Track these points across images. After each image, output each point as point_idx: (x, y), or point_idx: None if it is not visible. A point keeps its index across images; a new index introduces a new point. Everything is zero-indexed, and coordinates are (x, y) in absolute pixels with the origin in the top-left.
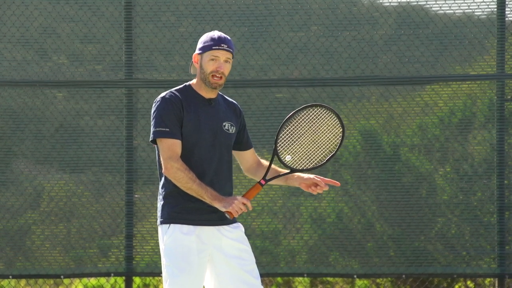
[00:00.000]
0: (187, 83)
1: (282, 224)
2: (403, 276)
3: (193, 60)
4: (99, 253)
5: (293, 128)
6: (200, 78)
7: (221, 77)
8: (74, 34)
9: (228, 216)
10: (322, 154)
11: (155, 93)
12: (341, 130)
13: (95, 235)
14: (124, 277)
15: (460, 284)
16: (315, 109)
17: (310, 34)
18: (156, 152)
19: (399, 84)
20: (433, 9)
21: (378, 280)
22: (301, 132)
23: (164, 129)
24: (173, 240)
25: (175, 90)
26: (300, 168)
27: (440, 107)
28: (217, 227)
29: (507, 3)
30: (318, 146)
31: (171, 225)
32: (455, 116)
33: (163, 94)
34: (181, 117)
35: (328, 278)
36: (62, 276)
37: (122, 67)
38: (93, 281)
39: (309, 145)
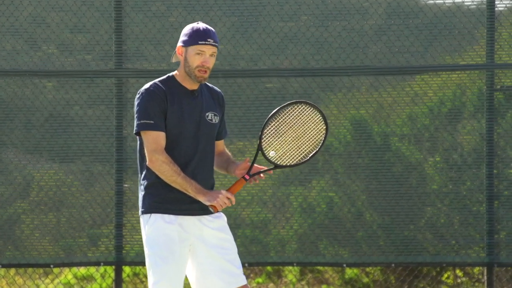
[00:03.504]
0: (170, 74)
1: (272, 213)
2: (393, 265)
3: (176, 51)
4: (88, 242)
5: (278, 124)
6: (184, 70)
7: (206, 71)
8: (64, 24)
9: (212, 210)
10: (305, 150)
11: (145, 83)
12: (324, 127)
13: (85, 225)
14: (114, 267)
15: (449, 273)
16: (300, 106)
17: (300, 24)
18: (138, 143)
19: (389, 74)
20: None
21: (367, 269)
22: (285, 129)
23: (148, 121)
24: (155, 229)
25: (159, 81)
26: (283, 164)
27: (429, 97)
28: (198, 217)
29: None
30: (301, 143)
31: (153, 214)
32: (444, 106)
33: (146, 86)
34: (165, 109)
35: (318, 267)
36: (51, 265)
37: (112, 57)
38: (82, 270)
39: (293, 141)
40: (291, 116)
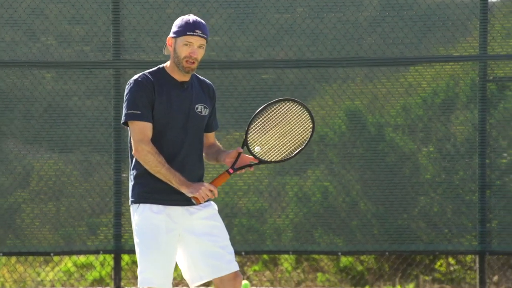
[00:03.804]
0: (161, 66)
1: (268, 202)
2: (387, 253)
3: (167, 43)
4: (88, 231)
5: (265, 120)
6: (173, 61)
7: (193, 62)
8: (62, 15)
9: (194, 202)
10: (291, 147)
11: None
12: (311, 125)
13: (84, 214)
14: (113, 255)
15: (442, 261)
16: (287, 104)
17: (296, 15)
18: (129, 133)
19: (383, 65)
20: None
21: (362, 257)
22: (272, 125)
23: (135, 111)
24: (143, 219)
25: (148, 72)
26: (268, 160)
27: (423, 87)
28: (186, 207)
29: None
30: (287, 140)
31: (141, 204)
32: (438, 97)
33: (136, 77)
34: (152, 100)
35: (313, 256)
36: (51, 254)
37: (109, 48)
38: (82, 258)
39: (279, 138)
40: (278, 113)
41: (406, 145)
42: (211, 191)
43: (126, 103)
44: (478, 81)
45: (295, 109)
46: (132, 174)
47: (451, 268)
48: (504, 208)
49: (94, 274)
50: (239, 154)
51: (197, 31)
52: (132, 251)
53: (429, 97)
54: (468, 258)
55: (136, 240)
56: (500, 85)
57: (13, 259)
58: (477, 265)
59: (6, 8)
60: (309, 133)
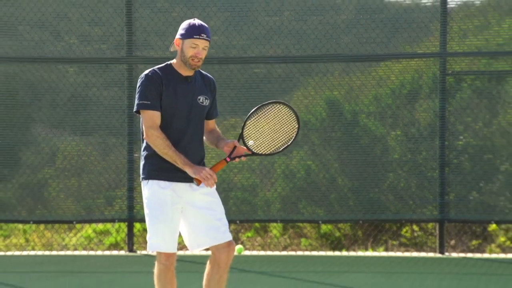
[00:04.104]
0: (168, 62)
1: (259, 179)
2: (360, 221)
3: (174, 43)
4: (105, 202)
5: (258, 119)
6: (180, 59)
7: (199, 61)
8: (83, 18)
9: (195, 183)
10: (279, 143)
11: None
12: (296, 126)
13: (102, 188)
14: (126, 223)
15: (407, 228)
16: (278, 105)
17: (283, 18)
18: (140, 120)
19: (357, 61)
20: None
21: (339, 225)
22: (264, 123)
23: (146, 102)
24: (152, 193)
25: (157, 68)
26: (259, 153)
27: (392, 80)
28: (189, 183)
29: None
30: (276, 137)
31: (150, 180)
32: (404, 88)
33: (146, 72)
34: (160, 92)
35: (298, 224)
36: (74, 222)
37: (123, 46)
38: (100, 226)
39: (269, 134)
40: (270, 113)
41: (377, 129)
42: (210, 175)
43: (138, 94)
44: (438, 74)
45: (284, 111)
46: (143, 155)
47: (415, 234)
48: (460, 183)
49: (111, 239)
50: (235, 146)
51: (202, 35)
52: (143, 220)
53: (397, 88)
54: (430, 225)
55: (145, 211)
56: (457, 78)
57: (42, 226)
58: (437, 231)
59: (35, 12)
60: (295, 132)
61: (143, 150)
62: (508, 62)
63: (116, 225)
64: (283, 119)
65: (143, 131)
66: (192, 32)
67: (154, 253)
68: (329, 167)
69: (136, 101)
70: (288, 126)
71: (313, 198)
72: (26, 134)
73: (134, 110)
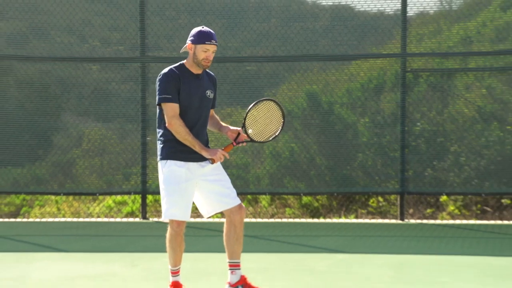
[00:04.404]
0: (181, 62)
1: (251, 158)
2: (335, 194)
3: (187, 46)
4: (123, 178)
5: (256, 112)
6: (192, 60)
7: (209, 62)
8: (104, 24)
9: (211, 162)
10: (270, 133)
11: (161, 66)
12: (282, 121)
13: (120, 166)
14: (140, 195)
15: (373, 199)
16: (269, 102)
17: (271, 24)
18: (158, 111)
19: (333, 60)
20: (357, 7)
21: (318, 197)
22: (259, 116)
23: (167, 96)
24: (169, 171)
25: (174, 67)
26: (256, 140)
27: (361, 76)
28: (200, 162)
29: (408, 3)
30: (268, 128)
31: (168, 160)
32: (371, 83)
33: (165, 70)
34: (178, 87)
35: (283, 196)
36: (97, 194)
37: (137, 48)
38: (119, 197)
39: (262, 126)
40: (264, 108)
41: (349, 117)
42: (223, 155)
43: (159, 89)
44: (399, 72)
45: (274, 107)
46: (160, 139)
47: (380, 204)
48: (417, 161)
49: (127, 208)
50: (239, 133)
51: (212, 41)
52: (154, 193)
53: (365, 83)
54: (392, 197)
55: (162, 186)
56: (415, 75)
57: (71, 197)
58: (398, 202)
59: (64, 19)
60: (281, 126)
61: (161, 136)
62: (456, 61)
63: (132, 196)
64: (273, 114)
65: (161, 120)
66: (204, 38)
67: (166, 221)
68: (309, 148)
69: (158, 95)
70: (277, 120)
71: (295, 175)
72: (57, 121)
73: (156, 103)
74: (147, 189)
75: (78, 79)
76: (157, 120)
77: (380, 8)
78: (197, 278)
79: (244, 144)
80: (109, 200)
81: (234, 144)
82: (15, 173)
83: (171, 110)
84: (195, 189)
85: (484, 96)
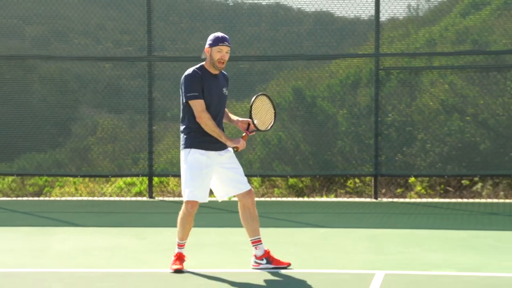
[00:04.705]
0: (201, 64)
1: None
2: (317, 176)
3: (205, 51)
4: (132, 162)
5: (257, 105)
6: (209, 62)
7: (223, 63)
8: (116, 28)
9: (235, 150)
10: (267, 122)
11: (165, 64)
12: (273, 112)
13: (129, 152)
14: (147, 177)
15: (351, 180)
16: (264, 97)
17: (261, 28)
18: (181, 108)
19: (315, 59)
20: (336, 13)
21: (302, 179)
22: (259, 108)
23: (194, 93)
24: (193, 158)
25: (196, 68)
26: (261, 129)
27: (340, 73)
28: (218, 151)
29: (380, 9)
30: (266, 119)
31: (192, 149)
32: (349, 79)
33: (189, 72)
34: (202, 86)
35: (272, 178)
36: (109, 176)
37: (145, 48)
38: (128, 179)
39: (262, 116)
40: (262, 102)
41: (330, 109)
42: (243, 144)
43: (185, 88)
44: (373, 69)
45: (268, 101)
46: (184, 131)
47: (357, 185)
48: (389, 148)
49: (136, 189)
50: (249, 124)
51: (225, 42)
52: (160, 175)
53: (344, 79)
54: (367, 178)
55: (184, 170)
56: (387, 72)
57: (87, 179)
58: (373, 183)
59: (81, 23)
60: (273, 117)
61: (186, 128)
62: (423, 60)
63: (140, 178)
64: (268, 106)
65: (184, 115)
66: (218, 41)
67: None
68: (294, 136)
69: (186, 94)
70: (270, 112)
71: (283, 159)
72: (75, 113)
73: (184, 101)
74: (153, 172)
75: (93, 76)
76: (181, 115)
77: (357, 14)
78: (197, 249)
79: (254, 133)
80: (120, 182)
81: (248, 133)
82: (38, 158)
83: (200, 105)
84: (213, 174)
85: (446, 91)
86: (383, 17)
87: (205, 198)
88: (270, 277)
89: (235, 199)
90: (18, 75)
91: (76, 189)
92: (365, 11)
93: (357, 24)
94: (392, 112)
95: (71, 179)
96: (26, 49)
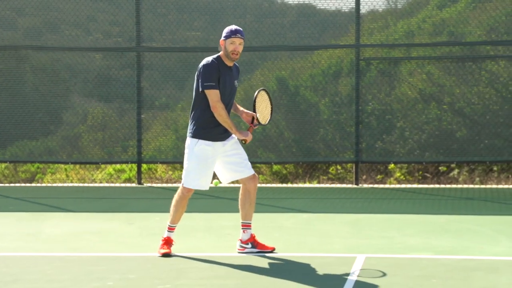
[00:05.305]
0: (217, 54)
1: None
2: (300, 162)
3: (220, 43)
4: (121, 149)
5: (259, 100)
6: (224, 54)
7: (237, 54)
8: (106, 20)
9: (244, 142)
10: (266, 116)
11: (153, 55)
12: (270, 107)
13: (119, 139)
14: (136, 164)
15: (333, 167)
16: (264, 92)
17: (246, 20)
18: (194, 96)
19: (299, 50)
20: (318, 5)
21: (286, 165)
22: (260, 103)
23: (211, 83)
24: (200, 149)
25: (213, 58)
26: (262, 123)
27: (322, 63)
28: (223, 141)
29: (361, 2)
30: (265, 113)
31: (200, 140)
32: (331, 69)
33: (208, 61)
34: (218, 76)
35: (257, 164)
36: (100, 163)
37: (134, 39)
38: (118, 166)
39: (263, 110)
40: (262, 97)
41: (312, 98)
42: (251, 135)
43: (203, 77)
44: (354, 60)
45: (266, 97)
46: (193, 120)
47: (338, 171)
48: (369, 135)
49: (125, 175)
50: (253, 117)
51: (238, 34)
52: (148, 162)
53: (326, 69)
54: (348, 165)
55: (190, 159)
56: (367, 62)
57: (77, 166)
58: (354, 169)
59: (72, 15)
60: (270, 110)
61: (195, 118)
62: (401, 51)
63: (129, 165)
64: (267, 102)
65: (195, 102)
66: (231, 33)
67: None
68: (278, 124)
69: (202, 83)
70: (268, 106)
71: (267, 146)
72: (66, 101)
73: (200, 90)
74: (142, 159)
75: (84, 66)
76: (193, 102)
77: (338, 6)
78: (185, 234)
79: (257, 126)
80: (109, 168)
81: (253, 126)
82: (30, 145)
83: (215, 95)
84: (216, 162)
85: (424, 81)
86: (363, 9)
87: (207, 186)
88: (255, 261)
89: (221, 185)
90: (11, 65)
91: (67, 176)
92: (346, 3)
93: (338, 16)
94: (372, 101)
95: (62, 166)
96: (19, 40)
